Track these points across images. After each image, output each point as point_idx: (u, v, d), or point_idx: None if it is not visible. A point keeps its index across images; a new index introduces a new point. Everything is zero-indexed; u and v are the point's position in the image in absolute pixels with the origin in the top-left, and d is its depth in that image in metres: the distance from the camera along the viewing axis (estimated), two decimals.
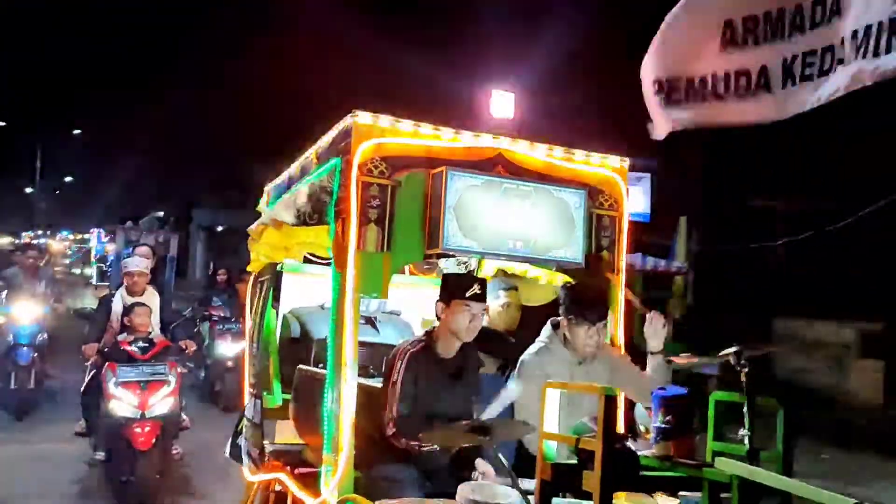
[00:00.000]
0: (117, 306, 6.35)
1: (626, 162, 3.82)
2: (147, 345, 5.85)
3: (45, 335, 8.73)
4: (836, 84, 2.14)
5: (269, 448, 3.98)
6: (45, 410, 8.63)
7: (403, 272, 4.93)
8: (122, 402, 5.55)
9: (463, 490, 2.67)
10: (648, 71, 2.94)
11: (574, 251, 3.55)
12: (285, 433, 4.34)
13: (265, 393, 4.22)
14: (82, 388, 6.40)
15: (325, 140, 3.57)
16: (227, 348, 9.60)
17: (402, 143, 3.34)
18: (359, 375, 3.75)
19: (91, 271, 23.20)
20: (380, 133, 3.29)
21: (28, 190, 42.00)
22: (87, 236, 32.01)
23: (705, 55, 2.74)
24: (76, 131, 34.39)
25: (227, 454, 4.45)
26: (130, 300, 6.28)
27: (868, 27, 2.02)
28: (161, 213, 19.46)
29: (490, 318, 4.10)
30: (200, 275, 29.20)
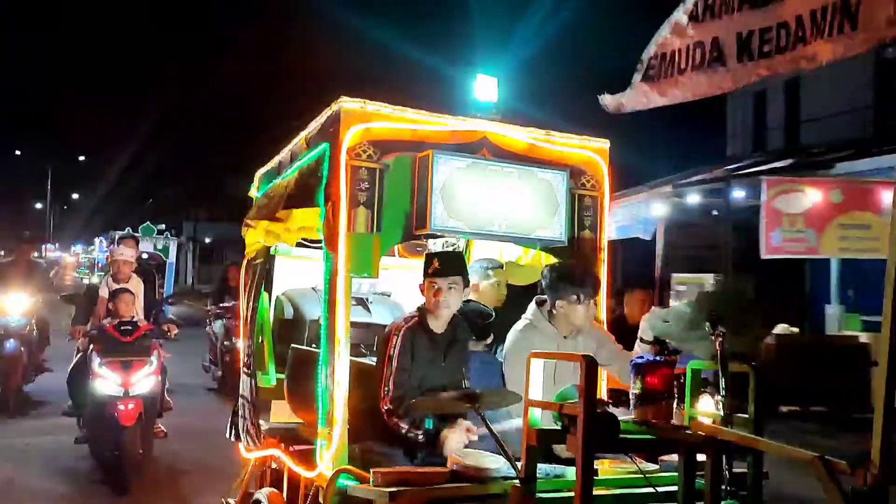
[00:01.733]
0: (103, 292, 6.68)
1: (607, 143, 3.94)
2: (130, 328, 6.14)
3: (34, 327, 8.87)
4: (791, 61, 2.25)
5: (264, 426, 4.10)
6: (37, 395, 8.82)
7: (394, 254, 5.05)
8: (106, 381, 5.85)
9: (454, 456, 2.80)
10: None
11: (557, 231, 3.67)
12: (281, 413, 4.45)
13: (259, 373, 4.33)
14: (69, 369, 6.66)
15: (314, 126, 3.67)
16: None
17: (389, 127, 3.44)
18: (351, 355, 3.89)
19: (96, 279, 23.62)
20: (367, 118, 3.39)
21: (38, 206, 45.52)
22: (91, 247, 33.68)
23: (674, 31, 2.83)
24: (81, 157, 37.43)
25: (227, 434, 4.57)
26: (116, 286, 6.57)
27: (824, 8, 2.14)
28: (163, 226, 20.65)
29: (481, 297, 4.22)
30: (190, 281, 32.34)
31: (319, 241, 3.50)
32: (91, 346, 6.14)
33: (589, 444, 2.30)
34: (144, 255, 18.02)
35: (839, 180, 7.95)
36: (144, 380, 5.98)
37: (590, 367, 2.33)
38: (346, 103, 3.38)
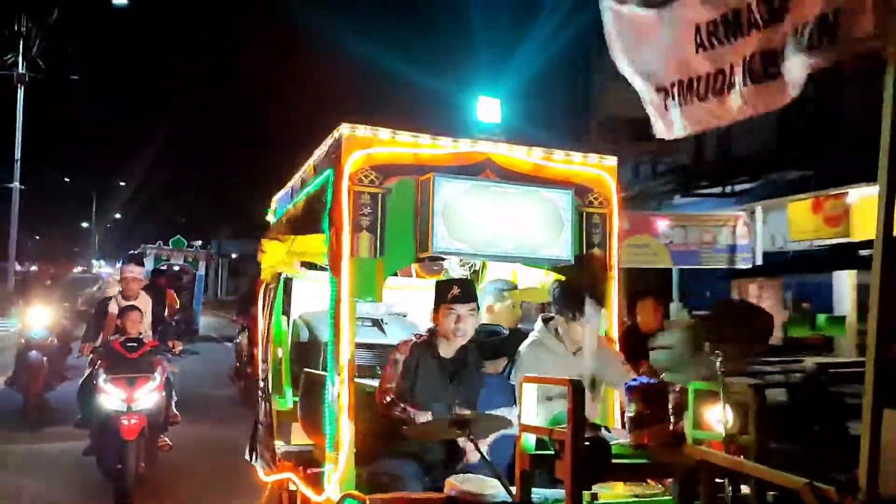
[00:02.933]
0: (113, 309, 6.81)
1: (615, 160, 3.91)
2: (136, 344, 6.28)
3: (54, 339, 9.39)
4: (789, 80, 2.21)
5: (280, 449, 4.14)
6: (58, 404, 9.03)
7: (410, 275, 5.07)
8: (110, 396, 6.00)
9: (451, 482, 2.79)
10: (644, 80, 2.97)
11: (564, 250, 3.65)
12: (301, 435, 4.50)
13: (277, 396, 4.38)
14: (80, 384, 6.84)
15: (320, 152, 3.73)
16: None
17: (391, 152, 3.47)
18: (365, 377, 3.91)
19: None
20: (369, 143, 3.43)
21: (84, 224, 49.54)
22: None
23: (688, 59, 2.78)
24: (121, 182, 42.08)
25: (246, 457, 4.63)
26: (125, 303, 6.72)
27: (804, 24, 2.11)
28: (199, 242, 21.69)
29: (497, 318, 4.21)
30: (220, 293, 35.59)
31: (324, 266, 3.54)
32: (98, 362, 6.32)
33: (577, 470, 2.27)
34: (176, 267, 18.60)
35: (628, 212, 8.87)
36: (147, 395, 6.13)
37: (576, 392, 2.31)
38: (348, 129, 3.43)
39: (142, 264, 7.47)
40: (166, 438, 6.80)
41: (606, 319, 3.79)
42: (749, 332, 2.67)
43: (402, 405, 3.30)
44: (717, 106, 2.61)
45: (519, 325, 4.22)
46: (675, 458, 2.40)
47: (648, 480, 3.05)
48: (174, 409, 6.99)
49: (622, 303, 4.04)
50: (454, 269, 4.72)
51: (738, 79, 2.53)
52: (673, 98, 2.75)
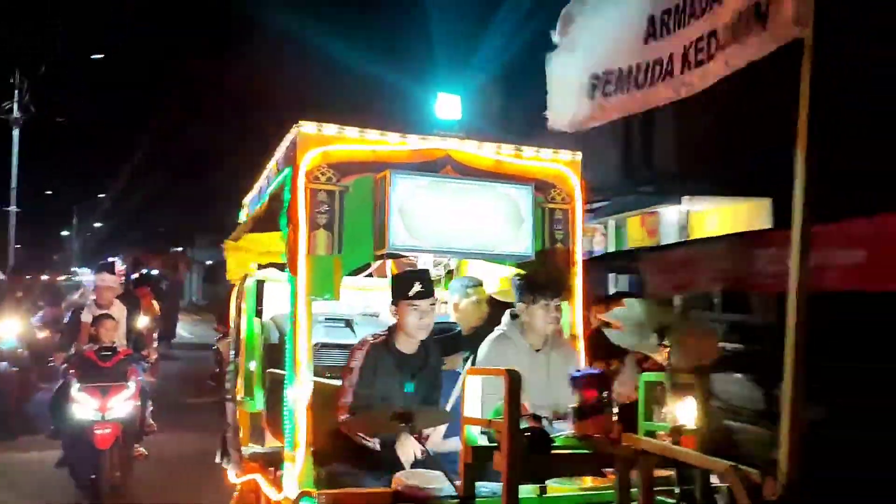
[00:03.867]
0: (86, 318, 6.79)
1: (578, 155, 3.90)
2: (109, 353, 6.27)
3: (25, 350, 9.44)
4: (716, 68, 2.23)
5: (247, 451, 4.13)
6: (33, 415, 9.01)
7: (384, 275, 5.06)
8: (83, 405, 6.00)
9: (397, 478, 2.78)
10: (578, 68, 3.02)
11: (524, 245, 3.64)
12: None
13: (248, 398, 4.37)
14: (52, 394, 6.83)
15: (279, 149, 3.73)
16: None
17: (348, 149, 3.47)
18: (337, 377, 3.90)
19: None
20: (325, 141, 3.43)
21: (65, 233, 51.18)
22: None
23: (631, 48, 2.82)
24: (100, 195, 44.09)
25: (217, 460, 4.63)
26: (99, 312, 6.69)
27: (740, 14, 2.12)
28: (180, 248, 22.32)
29: (463, 315, 4.20)
30: (196, 298, 37.54)
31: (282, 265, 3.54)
32: (71, 371, 6.31)
33: (513, 460, 2.25)
34: (155, 272, 18.76)
35: None
36: (121, 404, 6.11)
37: (512, 383, 2.29)
38: (304, 127, 3.43)
39: (114, 272, 7.44)
40: (141, 448, 6.78)
41: (571, 314, 3.77)
42: (697, 349, 2.65)
43: (359, 434, 3.28)
44: (650, 93, 2.63)
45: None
46: (616, 448, 2.38)
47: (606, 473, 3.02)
48: (149, 419, 6.98)
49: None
50: (429, 268, 4.71)
51: (677, 67, 2.54)
52: (608, 84, 2.76)
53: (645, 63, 2.74)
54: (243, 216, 4.87)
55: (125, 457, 6.33)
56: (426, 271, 3.67)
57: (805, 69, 1.90)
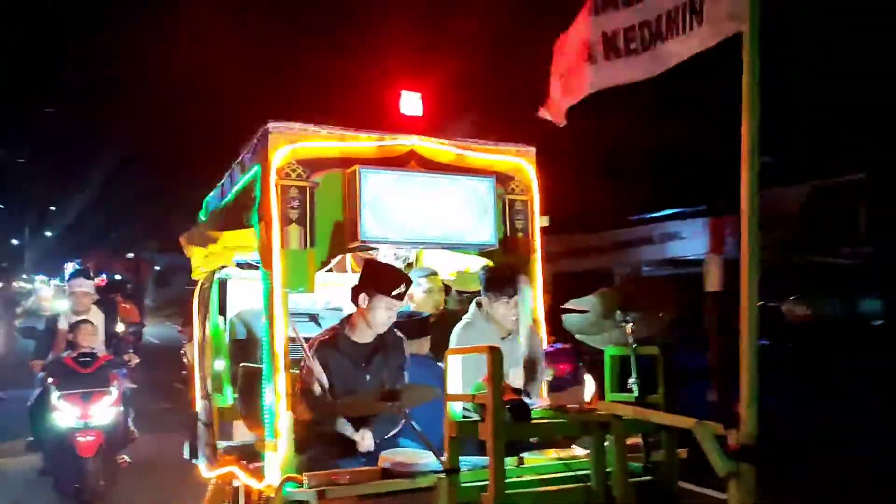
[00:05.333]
0: (63, 325, 6.68)
1: (533, 149, 4.11)
2: (89, 359, 6.16)
3: None
4: (693, 42, 2.38)
5: (221, 445, 4.20)
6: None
7: (345, 270, 5.17)
8: (64, 413, 5.89)
9: (384, 456, 2.93)
10: (579, 37, 3.06)
11: (487, 234, 3.82)
12: (243, 432, 4.56)
13: (216, 394, 4.44)
14: (28, 403, 6.66)
15: (247, 148, 3.82)
16: None
17: (317, 146, 3.59)
18: (302, 370, 4.00)
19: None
20: (294, 139, 3.54)
21: (14, 241, 50.14)
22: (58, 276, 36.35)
23: (617, 13, 2.87)
24: (52, 207, 44.03)
25: (185, 456, 4.66)
26: (75, 318, 6.59)
27: (676, 8, 2.31)
28: (132, 255, 22.17)
29: (416, 304, 4.36)
30: (149, 301, 37.82)
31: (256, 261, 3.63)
32: (49, 379, 6.18)
33: (498, 430, 2.43)
34: (118, 277, 18.42)
35: None
36: (104, 411, 6.01)
37: (495, 359, 2.47)
38: (273, 125, 3.53)
39: (90, 278, 7.22)
40: (125, 455, 6.64)
41: (532, 300, 3.97)
42: (657, 304, 2.88)
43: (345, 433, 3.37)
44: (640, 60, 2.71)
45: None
46: (589, 417, 2.59)
47: (573, 447, 3.23)
48: (132, 426, 6.83)
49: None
50: (389, 261, 4.85)
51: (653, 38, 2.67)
52: (598, 53, 2.83)
53: (624, 28, 2.79)
54: (204, 215, 4.90)
55: (109, 465, 6.19)
56: (409, 278, 3.78)
57: (746, 64, 2.10)
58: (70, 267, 17.19)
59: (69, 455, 5.82)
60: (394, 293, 3.48)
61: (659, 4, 2.40)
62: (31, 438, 6.66)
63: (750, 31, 2.13)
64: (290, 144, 3.52)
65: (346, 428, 3.39)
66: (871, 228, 10.44)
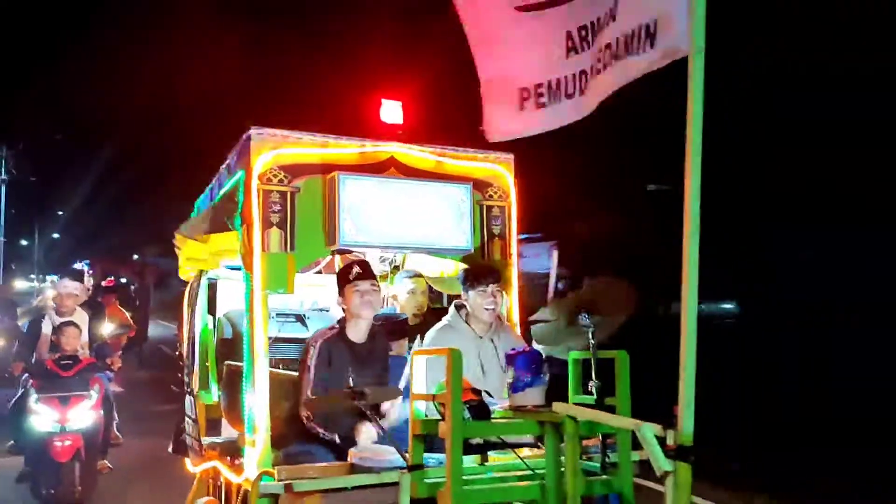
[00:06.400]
0: (46, 326, 6.64)
1: (511, 156, 4.22)
2: (71, 362, 6.10)
3: None
4: (614, 78, 2.55)
5: (206, 441, 4.33)
6: None
7: (334, 271, 5.29)
8: (42, 417, 5.84)
9: (352, 452, 3.04)
10: (508, 80, 3.28)
11: (464, 240, 3.94)
12: (230, 429, 4.68)
13: (202, 391, 4.56)
14: (10, 405, 6.62)
15: (232, 153, 3.94)
16: None
17: (298, 152, 3.71)
18: (290, 368, 4.13)
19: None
20: (276, 145, 3.67)
21: (24, 242, 51.73)
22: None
23: (557, 61, 3.09)
24: (59, 212, 46.66)
25: (169, 450, 4.79)
26: (60, 320, 6.53)
27: (632, 31, 2.44)
28: (136, 257, 22.75)
29: (401, 305, 4.48)
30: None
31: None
32: (30, 382, 6.14)
33: (456, 427, 2.54)
34: (123, 280, 18.67)
35: None
36: (83, 415, 5.94)
37: (455, 360, 2.58)
38: (256, 131, 3.66)
39: (79, 279, 7.25)
40: (106, 461, 6.60)
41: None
42: (614, 304, 2.99)
43: (313, 425, 3.48)
44: (579, 103, 2.92)
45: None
46: (545, 417, 2.69)
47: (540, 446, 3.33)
48: (115, 430, 6.81)
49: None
50: (374, 264, 4.97)
51: (590, 77, 2.84)
52: (540, 96, 3.05)
53: (571, 75, 3.04)
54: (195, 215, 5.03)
55: (89, 470, 6.09)
56: (364, 260, 3.93)
57: (691, 87, 2.22)
58: (79, 267, 17.48)
59: (47, 459, 5.75)
60: (352, 277, 3.67)
61: (617, 27, 2.52)
62: (13, 441, 6.66)
63: (695, 56, 2.24)
64: (272, 150, 3.64)
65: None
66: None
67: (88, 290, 10.31)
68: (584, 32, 2.94)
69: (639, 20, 2.40)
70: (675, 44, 2.28)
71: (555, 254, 10.91)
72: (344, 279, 3.67)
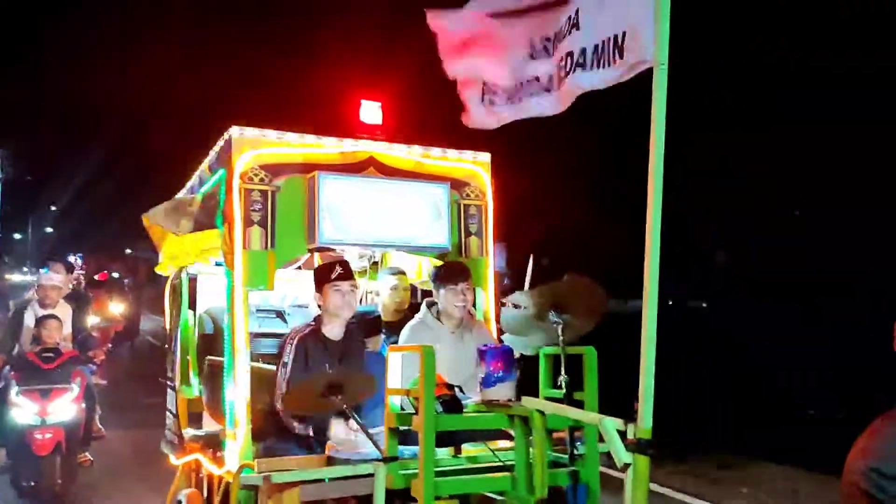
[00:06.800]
0: (28, 318, 6.60)
1: (488, 156, 4.32)
2: (52, 354, 6.11)
3: None
4: (580, 83, 2.65)
5: (188, 434, 4.41)
6: None
7: (313, 267, 5.38)
8: (22, 410, 5.84)
9: (329, 444, 3.14)
10: (470, 76, 3.40)
11: (441, 238, 4.03)
12: (211, 422, 4.76)
13: (184, 386, 4.64)
14: None
15: (213, 153, 4.01)
16: None
17: (279, 152, 3.79)
18: (270, 363, 4.21)
19: None
20: (257, 144, 3.74)
21: (17, 236, 52.45)
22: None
23: (519, 64, 3.20)
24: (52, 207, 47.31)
25: (161, 445, 4.86)
26: (42, 312, 6.51)
27: (602, 42, 2.54)
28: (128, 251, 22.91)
29: (383, 301, 4.57)
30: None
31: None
32: (11, 374, 6.10)
33: (428, 420, 2.65)
34: (116, 275, 18.68)
35: None
36: (64, 408, 5.94)
37: (427, 357, 2.69)
38: (237, 131, 3.73)
39: (62, 271, 7.11)
40: (88, 454, 6.59)
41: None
42: (587, 308, 3.10)
43: (289, 420, 3.54)
44: (530, 104, 3.02)
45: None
46: (513, 411, 2.80)
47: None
48: (98, 424, 6.78)
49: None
50: (354, 260, 5.06)
51: (554, 84, 2.95)
52: (495, 94, 3.16)
53: (527, 78, 3.13)
54: None
55: (69, 463, 6.09)
56: (344, 259, 4.01)
57: (655, 98, 2.32)
58: (73, 260, 17.42)
59: (27, 452, 5.75)
60: (333, 276, 3.72)
61: (583, 37, 2.62)
62: None
63: (658, 69, 2.35)
64: (253, 150, 3.72)
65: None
66: None
67: (80, 282, 10.27)
68: (546, 42, 3.04)
69: (608, 32, 2.50)
70: (641, 56, 2.39)
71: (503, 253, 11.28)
72: (324, 278, 3.73)
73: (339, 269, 3.70)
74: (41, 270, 7.10)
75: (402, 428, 2.88)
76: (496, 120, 3.37)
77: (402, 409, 2.92)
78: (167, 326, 5.01)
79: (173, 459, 4.61)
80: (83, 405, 6.29)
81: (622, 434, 2.30)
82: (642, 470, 2.23)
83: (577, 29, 2.64)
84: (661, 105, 2.35)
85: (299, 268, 5.21)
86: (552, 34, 2.97)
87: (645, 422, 2.26)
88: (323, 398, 2.95)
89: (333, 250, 4.18)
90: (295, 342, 3.71)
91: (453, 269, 3.88)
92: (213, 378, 4.17)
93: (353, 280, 3.77)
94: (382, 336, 4.18)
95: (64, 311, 6.67)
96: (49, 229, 51.70)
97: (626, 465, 2.25)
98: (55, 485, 5.83)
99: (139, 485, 6.53)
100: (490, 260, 4.25)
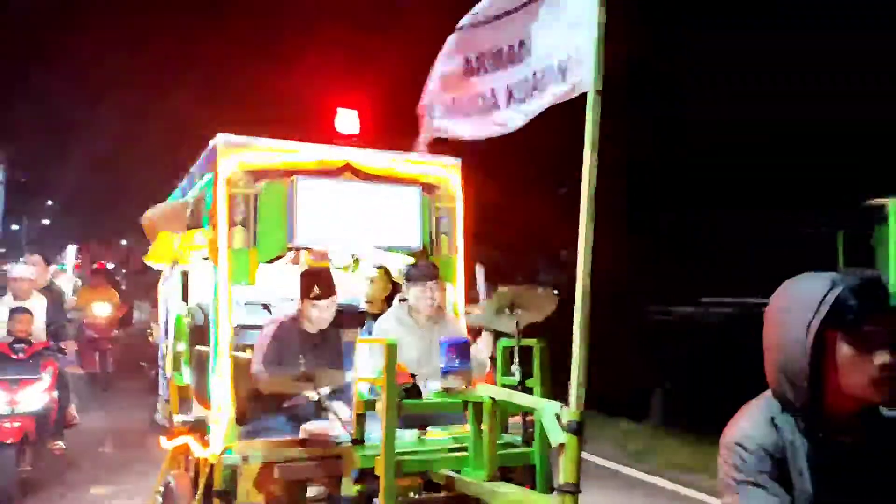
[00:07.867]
0: (2, 310, 6.63)
1: (458, 160, 4.60)
2: (24, 345, 6.28)
3: None
4: (533, 106, 2.94)
5: (178, 419, 4.71)
6: None
7: (298, 263, 5.67)
8: None
9: (304, 428, 3.45)
10: (425, 98, 3.69)
11: (413, 238, 4.33)
12: (200, 408, 5.06)
13: (176, 373, 4.94)
14: None
15: (200, 157, 4.30)
16: None
17: (261, 157, 4.07)
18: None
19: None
20: (241, 150, 4.02)
21: (14, 227, 52.36)
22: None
23: (457, 82, 3.46)
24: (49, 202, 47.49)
25: (149, 426, 5.16)
26: (14, 304, 6.61)
27: (548, 66, 2.83)
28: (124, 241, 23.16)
29: (367, 293, 4.87)
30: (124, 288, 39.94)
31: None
32: None
33: (390, 405, 2.95)
34: (111, 265, 19.00)
35: None
36: (33, 397, 6.08)
37: (390, 350, 2.99)
38: (222, 138, 4.01)
39: (39, 264, 7.23)
40: (60, 442, 6.70)
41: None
42: (537, 306, 3.42)
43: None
44: (477, 122, 3.29)
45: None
46: (468, 397, 3.11)
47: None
48: (73, 412, 6.94)
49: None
50: (339, 255, 5.34)
51: (502, 102, 3.21)
52: (434, 110, 3.44)
53: (468, 96, 3.39)
54: None
55: (39, 451, 6.27)
56: (327, 274, 4.28)
57: (588, 119, 2.61)
58: (71, 249, 17.68)
59: None
60: (311, 295, 4.04)
61: (533, 62, 2.90)
62: None
63: (592, 95, 2.63)
64: (236, 155, 4.00)
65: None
66: None
67: (76, 275, 10.48)
68: (482, 58, 3.29)
69: (554, 58, 2.78)
70: (580, 80, 2.68)
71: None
72: (306, 293, 4.03)
73: (317, 290, 3.98)
74: (11, 263, 7.17)
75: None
76: (433, 133, 3.61)
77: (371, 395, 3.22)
78: (160, 317, 5.29)
79: (164, 443, 4.91)
80: (55, 394, 6.43)
81: (557, 416, 2.61)
82: (572, 448, 2.53)
83: (529, 54, 2.91)
84: (594, 128, 2.61)
85: (288, 262, 5.49)
86: (486, 50, 3.21)
87: (577, 405, 2.56)
88: (296, 386, 3.24)
89: (309, 249, 4.47)
90: (276, 324, 4.04)
91: (421, 270, 4.17)
92: (201, 366, 4.47)
93: (332, 296, 4.06)
94: (360, 329, 4.48)
95: (37, 303, 6.74)
96: (46, 221, 52.06)
97: (560, 446, 2.55)
98: (23, 473, 5.96)
99: (114, 470, 6.68)
100: (459, 257, 4.55)
